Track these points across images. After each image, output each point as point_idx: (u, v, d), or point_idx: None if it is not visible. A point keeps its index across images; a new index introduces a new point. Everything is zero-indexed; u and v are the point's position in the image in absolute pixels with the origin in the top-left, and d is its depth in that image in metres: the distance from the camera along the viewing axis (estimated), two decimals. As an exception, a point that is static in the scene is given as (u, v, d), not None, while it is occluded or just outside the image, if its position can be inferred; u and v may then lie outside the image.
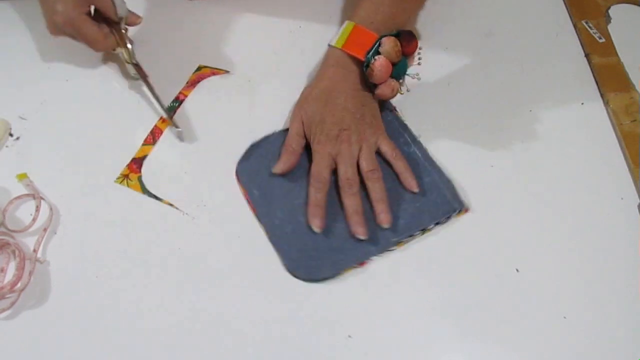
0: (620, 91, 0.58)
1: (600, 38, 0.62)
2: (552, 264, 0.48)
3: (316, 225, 0.48)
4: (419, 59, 0.60)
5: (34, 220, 0.50)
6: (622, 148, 0.54)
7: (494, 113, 0.56)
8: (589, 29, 0.63)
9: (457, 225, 0.50)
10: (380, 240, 0.48)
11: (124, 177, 0.52)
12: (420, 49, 0.58)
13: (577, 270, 0.48)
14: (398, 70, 0.52)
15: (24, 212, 0.51)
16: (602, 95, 0.58)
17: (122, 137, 0.55)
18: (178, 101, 0.56)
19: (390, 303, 0.46)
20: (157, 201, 0.51)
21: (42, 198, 0.50)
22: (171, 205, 0.50)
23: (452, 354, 0.44)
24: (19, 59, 0.60)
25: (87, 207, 0.51)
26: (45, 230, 0.49)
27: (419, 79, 0.58)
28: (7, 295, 0.46)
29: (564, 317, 0.45)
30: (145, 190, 0.51)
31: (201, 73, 0.59)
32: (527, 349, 0.44)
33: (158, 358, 0.44)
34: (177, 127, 0.53)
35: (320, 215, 0.48)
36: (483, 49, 0.61)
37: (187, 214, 0.50)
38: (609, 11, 0.65)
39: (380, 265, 0.48)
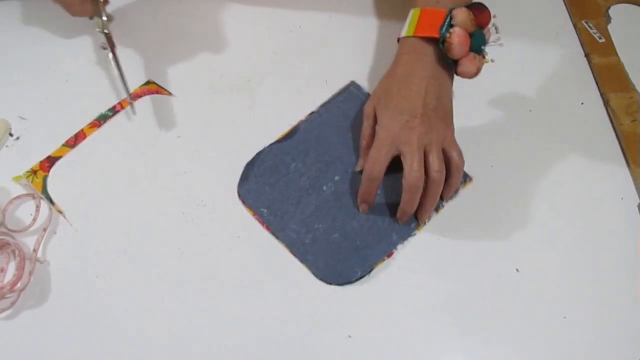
0: (620, 91, 0.58)
1: (600, 38, 0.62)
2: (552, 264, 0.48)
3: (363, 209, 0.50)
4: (497, 33, 0.54)
5: (34, 220, 0.50)
6: (622, 148, 0.54)
7: (494, 113, 0.56)
8: (589, 29, 0.63)
9: (456, 225, 0.50)
10: (401, 228, 0.49)
11: (32, 173, 0.51)
12: (494, 16, 0.52)
13: (577, 270, 0.48)
14: (477, 42, 0.49)
15: (24, 212, 0.51)
16: (602, 95, 0.58)
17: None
18: (113, 111, 0.56)
19: (390, 303, 0.46)
20: (157, 201, 0.51)
21: (41, 198, 0.50)
22: (61, 212, 0.50)
23: (452, 354, 0.44)
24: (19, 59, 0.60)
25: (87, 207, 0.51)
26: (45, 230, 0.49)
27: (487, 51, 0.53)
28: (7, 295, 0.46)
29: (564, 317, 0.45)
30: (44, 192, 0.51)
31: (147, 88, 0.58)
32: (527, 348, 0.44)
33: (158, 358, 0.44)
34: (133, 110, 0.55)
35: (370, 201, 0.49)
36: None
37: (186, 213, 0.50)
38: (609, 11, 0.65)
39: (380, 265, 0.48)
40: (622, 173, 0.53)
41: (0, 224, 0.49)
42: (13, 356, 0.44)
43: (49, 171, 0.52)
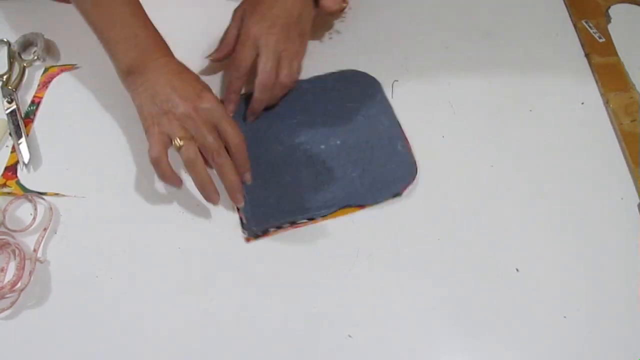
0: (620, 91, 0.58)
1: (600, 38, 0.62)
2: (552, 264, 0.48)
3: (230, 110, 0.54)
4: None
5: (33, 219, 0.50)
6: (622, 148, 0.54)
7: (494, 113, 0.56)
8: (589, 28, 0.63)
9: (457, 225, 0.50)
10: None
11: (1, 186, 0.52)
12: None
13: (577, 270, 0.48)
14: None
15: (24, 211, 0.51)
16: (602, 95, 0.58)
17: (127, 138, 0.55)
18: (35, 104, 0.57)
19: (390, 303, 0.46)
20: (156, 201, 0.51)
21: (35, 196, 0.50)
22: (57, 194, 0.51)
23: (452, 354, 0.44)
24: (19, 58, 0.60)
25: (87, 206, 0.51)
26: (45, 229, 0.49)
27: None
28: (8, 295, 0.46)
29: (564, 317, 0.45)
30: (26, 191, 0.51)
31: (49, 73, 0.59)
32: (527, 348, 0.44)
33: (158, 357, 0.44)
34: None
35: (235, 100, 0.54)
36: (483, 49, 0.61)
37: (186, 213, 0.50)
38: (609, 11, 0.65)
39: (381, 265, 0.48)
40: (622, 173, 0.53)
41: (0, 224, 0.49)
42: (13, 356, 0.44)
43: (16, 176, 0.53)
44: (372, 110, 0.55)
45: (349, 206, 0.50)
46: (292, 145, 0.53)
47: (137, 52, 0.49)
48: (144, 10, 0.51)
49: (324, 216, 0.50)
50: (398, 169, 0.52)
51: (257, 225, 0.49)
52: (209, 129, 0.46)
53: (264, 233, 0.49)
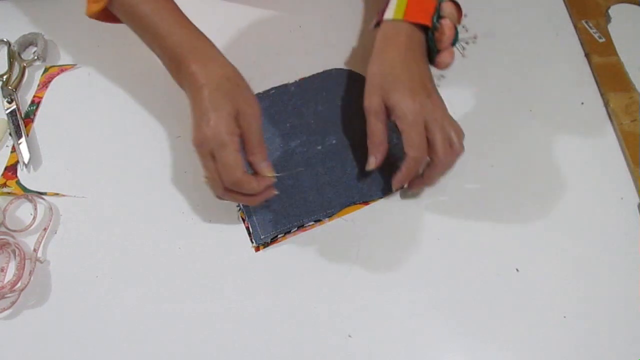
0: (620, 91, 0.58)
1: (600, 38, 0.62)
2: (552, 264, 0.48)
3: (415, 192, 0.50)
4: (467, 32, 0.59)
5: (33, 219, 0.50)
6: (622, 148, 0.54)
7: (494, 113, 0.56)
8: (589, 28, 0.63)
9: (457, 225, 0.50)
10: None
11: (1, 186, 0.52)
12: (465, 15, 0.55)
13: (577, 270, 0.48)
14: (455, 37, 0.51)
15: (24, 211, 0.51)
16: (602, 95, 0.58)
17: (107, 136, 0.55)
18: (35, 104, 0.57)
19: (390, 303, 0.46)
20: (156, 201, 0.51)
21: (35, 196, 0.50)
22: (57, 194, 0.51)
23: (452, 354, 0.44)
24: (19, 58, 0.60)
25: (87, 206, 0.51)
26: (45, 230, 0.49)
27: (464, 46, 0.57)
28: (8, 295, 0.46)
29: (564, 317, 0.45)
30: (26, 191, 0.51)
31: (49, 73, 0.59)
32: (527, 348, 0.44)
33: (158, 357, 0.44)
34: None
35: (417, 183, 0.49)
36: (483, 49, 0.61)
37: (186, 213, 0.50)
38: (609, 11, 0.65)
39: (381, 265, 0.48)
40: (622, 173, 0.53)
41: (0, 224, 0.49)
42: (13, 356, 0.44)
43: (16, 176, 0.53)
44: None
45: (354, 204, 0.50)
46: (288, 149, 0.53)
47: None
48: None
49: (330, 217, 0.50)
50: (397, 161, 0.51)
51: (265, 233, 0.48)
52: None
53: (273, 240, 0.49)
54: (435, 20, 0.49)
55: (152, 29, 0.46)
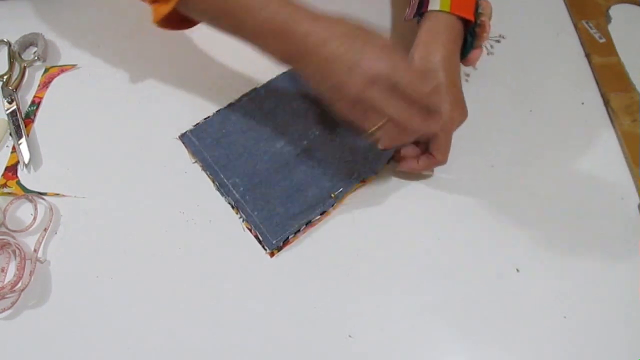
0: (621, 91, 0.58)
1: (600, 38, 0.62)
2: (552, 264, 0.48)
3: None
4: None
5: (34, 219, 0.50)
6: (622, 148, 0.54)
7: (494, 113, 0.56)
8: (589, 29, 0.63)
9: (457, 225, 0.50)
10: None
11: (2, 187, 0.52)
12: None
13: (577, 270, 0.48)
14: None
15: (25, 212, 0.51)
16: (602, 95, 0.58)
17: (114, 139, 0.55)
18: (35, 104, 0.57)
19: (390, 303, 0.46)
20: (157, 201, 0.51)
21: (35, 196, 0.50)
22: (57, 194, 0.51)
23: (452, 354, 0.44)
24: (20, 59, 0.60)
25: (87, 206, 0.51)
26: (45, 230, 0.49)
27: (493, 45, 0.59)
28: (8, 295, 0.46)
29: (564, 317, 0.45)
30: (26, 191, 0.51)
31: (49, 73, 0.59)
32: (527, 348, 0.44)
33: (158, 357, 0.44)
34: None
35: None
36: (483, 49, 0.61)
37: (186, 213, 0.50)
38: (609, 11, 0.65)
39: (381, 265, 0.48)
40: (622, 173, 0.53)
41: (0, 224, 0.49)
42: (13, 356, 0.44)
43: (17, 176, 0.52)
44: None
45: (352, 185, 0.51)
46: (275, 151, 0.53)
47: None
48: None
49: (334, 205, 0.50)
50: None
51: (276, 238, 0.48)
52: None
53: (285, 243, 0.49)
54: (477, 17, 0.50)
55: (242, 8, 0.42)
